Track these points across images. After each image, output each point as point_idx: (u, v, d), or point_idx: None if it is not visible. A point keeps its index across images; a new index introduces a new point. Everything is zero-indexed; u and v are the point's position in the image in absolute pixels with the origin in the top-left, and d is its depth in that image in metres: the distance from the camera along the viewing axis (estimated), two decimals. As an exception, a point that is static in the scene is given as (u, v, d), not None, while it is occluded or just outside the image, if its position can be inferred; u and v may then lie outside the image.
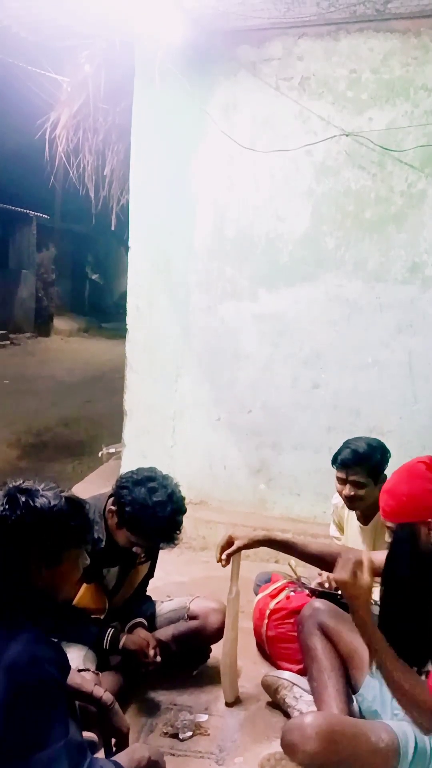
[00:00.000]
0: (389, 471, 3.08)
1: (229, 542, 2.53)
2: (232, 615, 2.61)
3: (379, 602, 2.15)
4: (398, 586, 2.05)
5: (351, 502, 2.99)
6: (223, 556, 2.52)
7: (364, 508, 3.00)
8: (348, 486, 2.96)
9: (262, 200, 4.26)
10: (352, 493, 2.94)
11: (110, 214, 5.83)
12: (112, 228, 5.93)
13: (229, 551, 2.51)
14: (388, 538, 2.09)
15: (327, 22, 3.97)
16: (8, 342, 16.57)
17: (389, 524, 2.06)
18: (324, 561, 2.51)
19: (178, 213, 4.43)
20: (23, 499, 1.58)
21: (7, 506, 1.57)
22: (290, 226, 4.23)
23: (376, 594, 2.71)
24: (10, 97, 7.87)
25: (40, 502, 1.59)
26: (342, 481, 3.00)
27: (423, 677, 1.98)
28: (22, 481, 1.65)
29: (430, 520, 1.98)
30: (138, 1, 3.67)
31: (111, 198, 5.72)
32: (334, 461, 3.07)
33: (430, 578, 1.96)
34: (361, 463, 2.95)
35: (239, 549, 2.51)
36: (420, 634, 1.94)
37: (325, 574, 2.86)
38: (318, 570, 2.76)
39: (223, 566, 2.55)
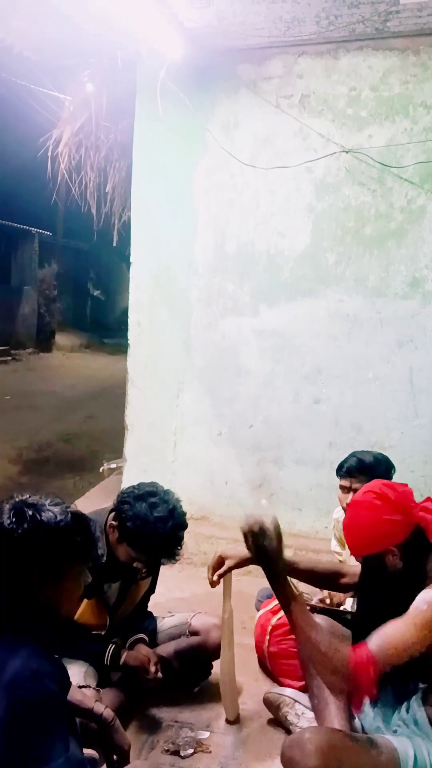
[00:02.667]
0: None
1: (220, 562, 2.52)
2: (228, 634, 2.59)
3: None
4: (369, 615, 2.06)
5: None
6: (214, 577, 2.51)
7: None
8: (351, 495, 2.97)
9: (262, 216, 4.29)
10: None
11: (112, 231, 5.87)
12: (114, 244, 5.97)
13: (220, 571, 2.50)
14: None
15: (327, 41, 4.01)
16: (10, 358, 16.59)
17: (358, 559, 2.09)
18: (315, 577, 2.52)
19: (179, 229, 4.46)
20: (30, 513, 1.58)
21: (13, 519, 1.56)
22: (291, 242, 4.25)
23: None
24: (13, 115, 7.94)
25: (46, 516, 1.59)
26: (346, 490, 3.02)
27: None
28: (28, 496, 1.65)
29: (392, 548, 2.00)
30: (139, 20, 3.72)
31: (113, 215, 5.77)
32: (339, 469, 3.09)
33: (400, 604, 1.96)
34: (366, 473, 2.97)
35: (230, 569, 2.50)
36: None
37: (326, 590, 2.86)
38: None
39: (213, 587, 2.53)
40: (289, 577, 2.46)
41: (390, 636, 1.81)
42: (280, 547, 2.00)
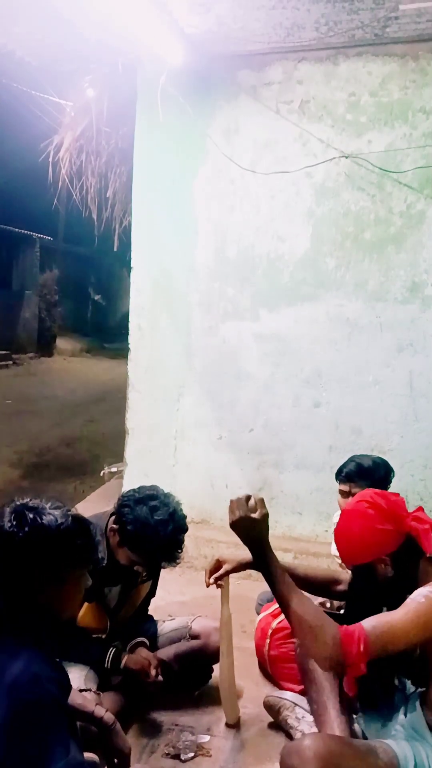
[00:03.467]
0: (391, 490, 3.10)
1: (217, 566, 2.51)
2: (226, 639, 2.59)
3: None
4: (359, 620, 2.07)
5: None
6: (211, 580, 2.51)
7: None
8: (350, 499, 2.98)
9: (262, 221, 4.31)
10: None
11: (113, 236, 5.89)
12: (115, 249, 5.99)
13: (217, 575, 2.50)
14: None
15: (326, 47, 4.03)
16: (11, 362, 16.61)
17: (348, 569, 2.10)
18: (310, 584, 2.52)
19: (179, 234, 4.47)
20: (31, 516, 1.58)
21: (14, 523, 1.57)
22: (291, 247, 4.26)
23: None
24: (14, 121, 7.95)
25: (47, 520, 1.59)
26: (345, 494, 3.03)
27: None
28: (29, 499, 1.65)
29: (384, 557, 2.01)
30: (140, 26, 3.73)
31: (113, 220, 5.78)
32: (338, 474, 3.10)
33: (390, 610, 1.97)
34: (365, 477, 2.98)
35: (227, 573, 2.49)
36: (384, 670, 1.93)
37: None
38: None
39: (207, 587, 2.52)
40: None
41: (385, 620, 1.81)
42: (265, 519, 1.96)
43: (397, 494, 2.15)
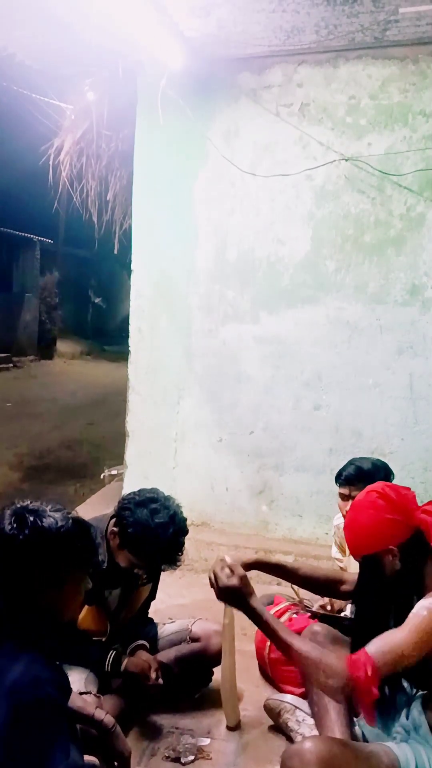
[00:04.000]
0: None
1: (220, 561, 2.53)
2: (228, 640, 2.58)
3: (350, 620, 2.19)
4: (367, 618, 2.08)
5: None
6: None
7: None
8: (350, 503, 2.98)
9: (262, 224, 4.31)
10: None
11: (113, 239, 5.89)
12: (115, 252, 5.99)
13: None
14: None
15: (326, 50, 4.04)
16: (11, 365, 16.61)
17: (357, 559, 2.10)
18: (313, 584, 2.53)
19: (179, 237, 4.48)
20: (31, 519, 1.58)
21: (14, 525, 1.57)
22: (291, 250, 4.27)
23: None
24: (14, 124, 7.97)
25: (47, 522, 1.59)
26: (345, 498, 3.03)
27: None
28: (29, 502, 1.65)
29: (392, 547, 2.00)
30: (140, 29, 3.74)
31: (114, 223, 5.79)
32: (338, 477, 3.10)
33: (398, 607, 1.97)
34: (365, 481, 2.97)
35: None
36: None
37: (326, 597, 2.87)
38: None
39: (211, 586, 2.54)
40: (291, 584, 2.48)
41: (388, 640, 1.81)
42: (243, 583, 2.05)
43: (408, 488, 2.15)
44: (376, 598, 2.04)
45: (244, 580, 2.06)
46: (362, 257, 4.14)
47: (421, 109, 3.96)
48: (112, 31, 3.91)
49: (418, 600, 1.92)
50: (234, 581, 2.05)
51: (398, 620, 1.90)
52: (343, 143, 4.10)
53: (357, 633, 2.12)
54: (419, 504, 2.10)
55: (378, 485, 2.15)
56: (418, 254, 4.04)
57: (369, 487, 2.17)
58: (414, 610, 1.86)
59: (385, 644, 1.80)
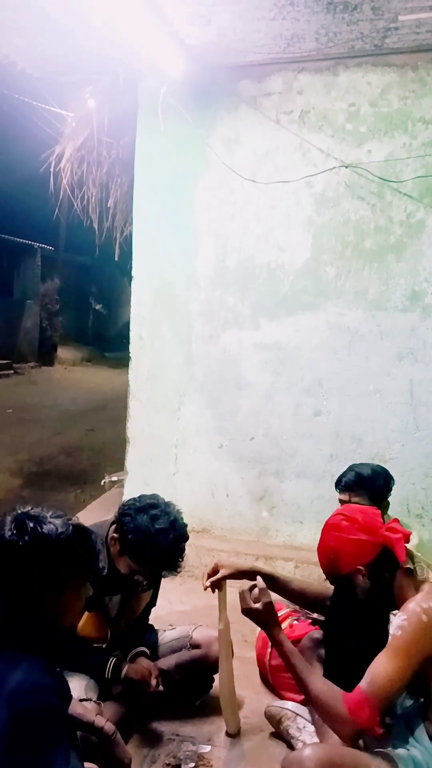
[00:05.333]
0: (392, 498, 3.11)
1: (215, 570, 2.55)
2: (225, 646, 2.59)
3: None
4: (340, 637, 2.14)
5: None
6: (207, 582, 2.54)
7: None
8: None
9: (263, 231, 4.32)
10: None
11: (113, 246, 5.91)
12: (116, 259, 6.01)
13: (213, 578, 2.53)
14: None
15: (326, 57, 4.06)
16: (12, 371, 16.61)
17: (329, 582, 2.18)
18: (304, 598, 2.55)
19: (180, 244, 4.49)
20: (31, 525, 1.58)
21: (14, 531, 1.57)
22: (291, 256, 4.28)
23: None
24: (15, 132, 8.00)
25: (47, 528, 1.59)
26: (345, 504, 3.02)
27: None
28: (30, 508, 1.65)
29: (360, 567, 2.06)
30: (141, 37, 3.76)
31: (114, 229, 5.80)
32: (338, 484, 3.10)
33: (371, 623, 2.03)
34: (364, 487, 2.98)
35: (224, 577, 2.53)
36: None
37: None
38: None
39: (204, 589, 2.56)
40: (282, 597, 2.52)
41: (377, 670, 1.86)
42: (267, 610, 2.19)
43: (375, 508, 2.24)
44: (349, 617, 2.10)
45: (268, 607, 2.19)
46: (362, 263, 4.15)
47: (420, 116, 3.97)
48: (112, 39, 3.93)
49: (391, 613, 1.97)
50: (258, 606, 2.19)
51: (374, 636, 1.94)
52: (343, 150, 4.12)
53: (330, 651, 2.20)
54: (410, 517, 2.18)
55: (345, 508, 2.22)
56: (418, 260, 4.05)
57: (336, 510, 2.24)
58: (391, 631, 1.91)
59: (375, 676, 1.84)
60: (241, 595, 2.24)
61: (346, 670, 2.04)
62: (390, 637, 1.89)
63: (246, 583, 2.31)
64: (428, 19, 3.53)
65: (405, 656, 1.83)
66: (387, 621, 2.01)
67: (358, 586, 2.07)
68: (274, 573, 2.59)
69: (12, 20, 3.82)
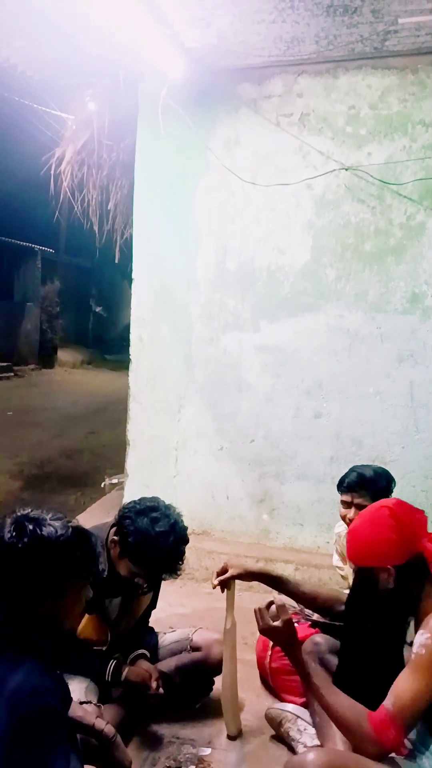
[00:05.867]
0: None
1: (224, 569, 2.55)
2: (230, 647, 2.59)
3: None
4: (356, 629, 2.09)
5: None
6: (215, 581, 2.54)
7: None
8: (353, 510, 2.99)
9: (263, 233, 4.32)
10: None
11: (114, 248, 5.91)
12: (116, 261, 6.01)
13: (222, 577, 2.53)
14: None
15: (326, 60, 4.06)
16: (12, 374, 16.63)
17: (351, 565, 2.10)
18: (314, 602, 2.53)
19: (180, 246, 4.49)
20: (31, 527, 1.58)
21: (14, 534, 1.56)
22: (291, 259, 4.28)
23: None
24: (16, 134, 8.02)
25: (47, 531, 1.59)
26: (347, 505, 3.03)
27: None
28: (30, 510, 1.65)
29: (389, 567, 1.98)
30: (141, 40, 3.76)
31: (114, 232, 5.81)
32: (340, 484, 3.10)
33: (386, 623, 1.99)
34: (367, 487, 2.98)
35: (232, 577, 2.53)
36: (377, 673, 1.93)
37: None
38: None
39: (213, 587, 2.56)
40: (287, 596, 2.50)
41: (401, 689, 1.81)
42: (286, 627, 2.13)
43: (422, 512, 2.11)
44: (367, 609, 2.04)
45: (288, 624, 2.13)
46: (362, 266, 4.15)
47: (420, 118, 3.98)
48: (113, 42, 3.94)
49: (412, 620, 1.93)
50: (278, 624, 2.13)
51: (390, 638, 1.91)
52: (343, 153, 4.12)
53: (346, 641, 2.15)
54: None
55: (394, 501, 2.12)
56: (418, 263, 4.05)
57: (382, 501, 2.15)
58: (414, 649, 1.86)
59: (399, 696, 1.80)
60: (259, 612, 2.18)
61: (360, 667, 2.01)
62: (413, 655, 1.84)
63: (254, 596, 2.29)
64: (428, 22, 3.53)
65: (430, 675, 1.79)
66: (405, 624, 1.98)
67: (380, 583, 2.00)
68: (283, 576, 2.58)
69: (12, 23, 3.82)
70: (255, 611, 2.19)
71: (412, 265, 4.06)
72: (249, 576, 2.53)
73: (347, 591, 2.58)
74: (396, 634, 2.01)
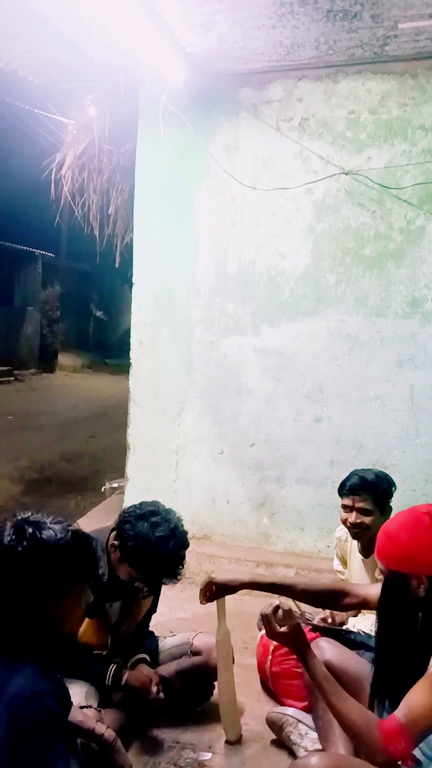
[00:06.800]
0: (392, 504, 3.10)
1: (209, 586, 2.42)
2: (224, 656, 2.57)
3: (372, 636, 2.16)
4: (389, 633, 2.03)
5: (356, 530, 3.00)
6: (203, 600, 2.44)
7: (368, 537, 2.99)
8: (354, 513, 2.98)
9: (263, 237, 4.33)
10: (359, 521, 2.96)
11: (114, 253, 5.92)
12: (116, 266, 6.01)
13: (208, 597, 2.44)
14: (378, 574, 2.08)
15: (326, 65, 4.07)
16: (13, 378, 16.63)
17: (380, 565, 2.04)
18: (313, 596, 2.49)
19: (181, 250, 4.50)
20: (30, 530, 1.58)
21: (13, 537, 1.56)
22: (291, 263, 4.29)
23: (365, 625, 2.69)
24: (16, 139, 8.04)
25: (47, 534, 1.59)
26: (348, 509, 3.02)
27: None
28: (30, 514, 1.65)
29: (422, 576, 1.92)
30: (141, 45, 3.77)
31: (115, 236, 5.81)
32: (341, 488, 3.09)
33: (418, 627, 1.94)
34: (369, 491, 2.98)
35: (216, 598, 2.45)
36: (408, 681, 1.91)
37: (327, 610, 2.85)
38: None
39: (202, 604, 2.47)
40: (292, 600, 2.47)
41: (415, 702, 1.78)
42: (295, 632, 2.07)
43: None
44: (398, 615, 1.99)
45: (295, 629, 2.07)
46: (362, 270, 4.16)
47: (420, 123, 3.99)
48: (113, 47, 3.95)
49: None
50: (285, 630, 2.07)
51: (420, 647, 1.88)
52: (343, 157, 4.13)
53: (379, 653, 2.09)
54: None
55: (427, 506, 2.04)
56: (418, 267, 4.05)
57: (421, 507, 2.05)
58: None
59: (413, 710, 1.77)
60: (267, 618, 2.10)
61: (397, 672, 1.98)
62: (430, 667, 1.80)
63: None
64: (427, 26, 3.54)
65: None
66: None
67: (411, 590, 1.93)
68: (273, 580, 2.53)
69: (13, 28, 3.84)
70: (261, 616, 2.14)
71: (412, 270, 4.06)
72: (234, 589, 2.40)
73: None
74: (425, 643, 1.96)
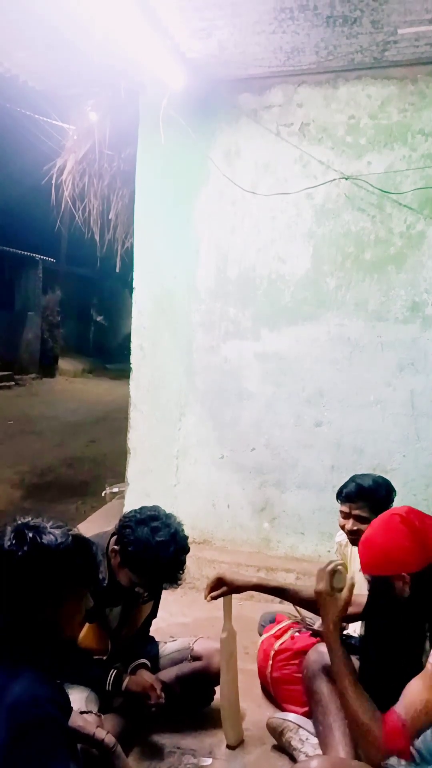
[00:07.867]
0: (393, 509, 3.09)
1: (218, 584, 2.51)
2: (227, 656, 2.57)
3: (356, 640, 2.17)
4: (374, 637, 2.05)
5: (354, 536, 2.99)
6: (208, 597, 2.51)
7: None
8: (351, 520, 2.97)
9: (263, 242, 4.34)
10: (355, 528, 2.95)
11: (115, 257, 5.93)
12: (117, 271, 6.04)
13: (215, 594, 2.50)
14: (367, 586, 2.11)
15: (326, 70, 4.08)
16: (13, 383, 16.62)
17: (366, 576, 2.06)
18: (315, 605, 2.49)
19: (181, 255, 4.51)
20: (31, 535, 1.58)
21: (14, 541, 1.56)
22: (292, 268, 4.29)
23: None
24: (17, 145, 8.06)
25: (47, 539, 1.59)
26: (345, 515, 3.01)
27: None
28: (30, 518, 1.65)
29: (404, 574, 1.95)
30: (142, 51, 3.78)
31: (116, 241, 5.83)
32: (339, 495, 3.08)
33: (404, 631, 1.96)
34: (366, 498, 2.97)
35: (227, 593, 2.50)
36: (397, 682, 1.92)
37: None
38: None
39: (207, 600, 2.53)
40: (293, 605, 2.47)
41: (413, 699, 1.80)
42: (346, 602, 2.11)
43: None
44: (385, 619, 2.01)
45: (346, 600, 2.11)
46: (363, 275, 4.16)
47: (420, 128, 3.99)
48: (114, 53, 3.96)
49: (431, 627, 1.91)
50: (342, 596, 2.12)
51: (408, 646, 1.88)
52: (343, 162, 4.14)
53: (364, 654, 2.11)
54: None
55: (405, 508, 2.10)
56: (419, 272, 4.06)
57: (394, 509, 2.13)
58: (430, 659, 1.83)
59: (412, 704, 1.79)
60: (327, 574, 2.14)
61: (381, 676, 1.99)
62: (428, 664, 1.82)
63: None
64: (427, 32, 3.56)
65: None
66: (424, 631, 1.94)
67: (396, 591, 1.97)
68: (280, 584, 2.56)
69: (14, 34, 3.85)
70: (319, 571, 2.17)
71: (412, 274, 4.07)
72: (243, 589, 2.49)
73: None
74: (415, 642, 1.98)
